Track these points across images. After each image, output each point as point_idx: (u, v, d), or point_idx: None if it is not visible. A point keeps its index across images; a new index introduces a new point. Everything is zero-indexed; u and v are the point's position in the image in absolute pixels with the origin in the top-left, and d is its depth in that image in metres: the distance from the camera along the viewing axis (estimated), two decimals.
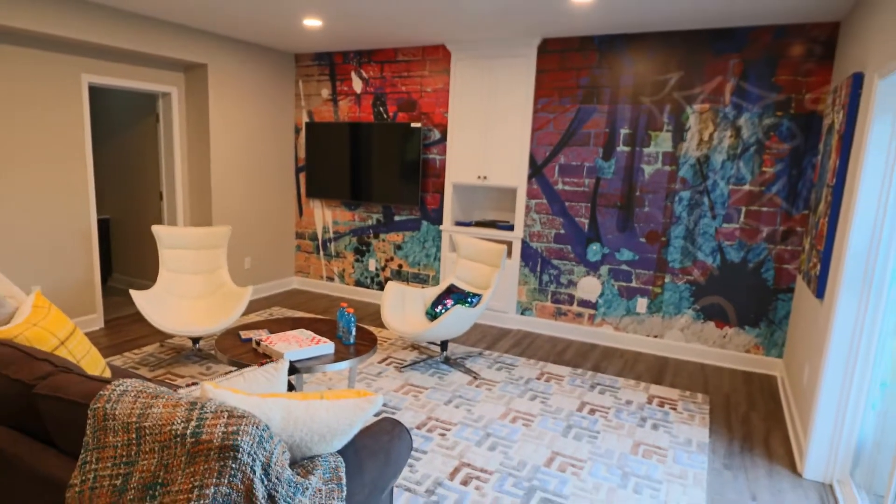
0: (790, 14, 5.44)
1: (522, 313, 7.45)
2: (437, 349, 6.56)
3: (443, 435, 4.63)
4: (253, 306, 8.06)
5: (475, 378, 5.79)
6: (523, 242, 7.29)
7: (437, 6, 5.62)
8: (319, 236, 8.85)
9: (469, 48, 7.16)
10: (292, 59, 8.55)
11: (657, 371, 6.21)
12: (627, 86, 6.48)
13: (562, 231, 7.03)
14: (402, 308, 6.10)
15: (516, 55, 6.93)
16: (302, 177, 8.82)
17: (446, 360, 6.16)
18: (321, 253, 8.89)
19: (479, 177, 7.38)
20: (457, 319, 5.62)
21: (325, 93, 8.41)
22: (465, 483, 3.98)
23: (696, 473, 4.24)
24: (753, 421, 5.14)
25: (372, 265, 8.48)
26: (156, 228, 6.00)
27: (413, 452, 4.34)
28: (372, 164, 7.97)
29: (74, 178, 6.35)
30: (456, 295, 6.06)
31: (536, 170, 7.06)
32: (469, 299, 5.98)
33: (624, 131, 6.54)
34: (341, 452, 2.48)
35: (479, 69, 7.20)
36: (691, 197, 6.31)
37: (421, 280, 8.12)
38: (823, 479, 4.20)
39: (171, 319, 5.75)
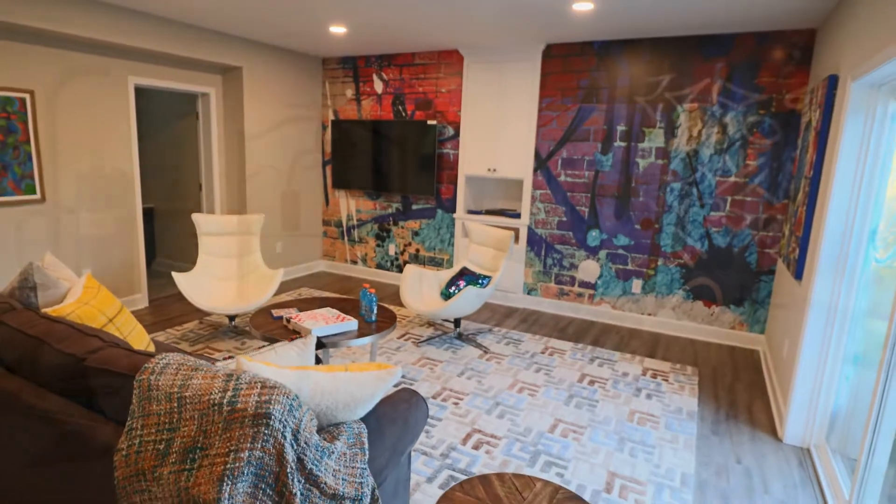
0: (771, 22, 5.35)
1: (528, 293, 7.42)
2: (451, 326, 6.55)
3: (456, 404, 4.63)
4: (283, 287, 8.07)
5: (485, 352, 5.78)
6: (529, 229, 7.24)
7: (450, 17, 5.56)
8: (344, 223, 8.84)
9: (480, 53, 7.09)
10: (319, 62, 8.50)
11: (651, 346, 6.17)
12: (624, 87, 6.40)
13: (564, 219, 6.98)
14: (419, 289, 6.09)
15: (523, 59, 6.86)
16: (328, 169, 8.79)
17: (459, 336, 6.15)
18: (346, 238, 8.87)
19: (489, 169, 7.33)
20: (469, 299, 5.60)
21: (350, 93, 8.37)
22: (476, 447, 3.98)
23: (686, 439, 4.22)
24: (738, 391, 5.10)
25: (392, 250, 8.46)
26: (196, 216, 5.99)
27: (429, 420, 4.34)
28: (392, 158, 7.93)
29: (122, 169, 6.36)
30: (468, 277, 6.04)
31: (541, 163, 7.01)
32: (480, 281, 5.96)
33: (620, 128, 6.48)
34: (364, 420, 2.47)
35: (489, 72, 7.14)
36: (681, 188, 6.24)
37: (436, 263, 8.10)
38: (801, 444, 4.17)
39: (209, 299, 5.76)
